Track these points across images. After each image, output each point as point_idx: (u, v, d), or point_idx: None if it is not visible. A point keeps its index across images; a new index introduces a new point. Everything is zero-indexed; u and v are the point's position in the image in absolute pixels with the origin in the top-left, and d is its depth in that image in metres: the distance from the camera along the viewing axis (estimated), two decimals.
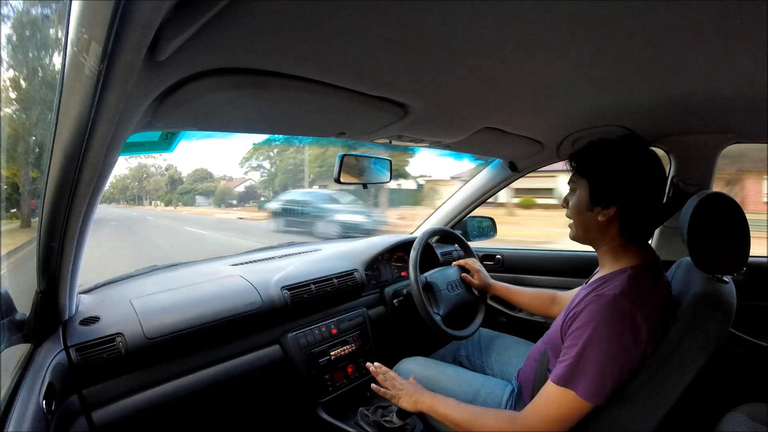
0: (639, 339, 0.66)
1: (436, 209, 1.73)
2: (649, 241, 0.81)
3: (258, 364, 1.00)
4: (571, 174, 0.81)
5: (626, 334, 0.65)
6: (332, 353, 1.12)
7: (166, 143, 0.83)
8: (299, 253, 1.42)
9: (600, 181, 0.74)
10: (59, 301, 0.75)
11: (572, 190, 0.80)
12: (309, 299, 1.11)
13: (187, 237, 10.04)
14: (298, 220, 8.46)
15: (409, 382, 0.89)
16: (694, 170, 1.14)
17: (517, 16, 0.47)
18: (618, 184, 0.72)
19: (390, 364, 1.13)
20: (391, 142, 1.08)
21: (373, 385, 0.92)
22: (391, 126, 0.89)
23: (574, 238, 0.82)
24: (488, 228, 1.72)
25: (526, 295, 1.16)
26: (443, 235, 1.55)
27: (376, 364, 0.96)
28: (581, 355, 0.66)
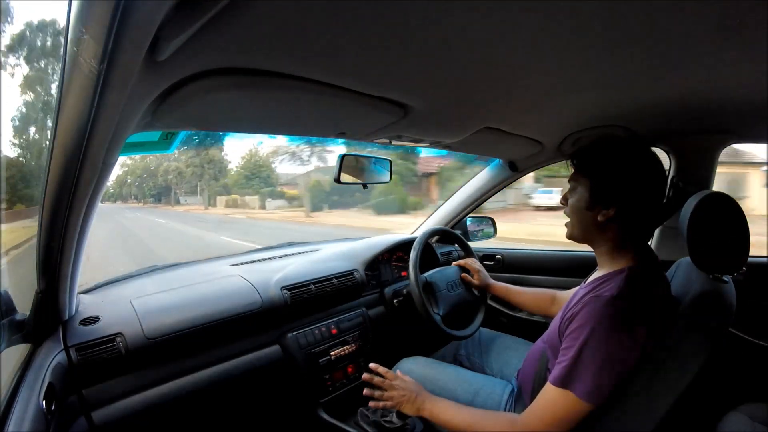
0: (636, 340, 0.66)
1: (436, 209, 1.73)
2: (649, 241, 0.81)
3: (258, 364, 1.00)
4: (572, 172, 0.81)
5: (623, 335, 0.65)
6: (332, 353, 1.12)
7: (166, 143, 0.83)
8: (299, 253, 1.42)
9: (602, 180, 0.74)
10: (59, 301, 0.75)
11: (573, 189, 0.80)
12: (309, 299, 1.11)
13: None
14: None
15: (410, 386, 0.87)
16: (694, 170, 1.14)
17: (518, 17, 0.47)
18: (619, 185, 0.72)
19: (390, 364, 1.13)
20: (391, 142, 1.08)
21: (366, 391, 0.88)
22: (391, 126, 0.89)
23: (570, 237, 0.82)
24: (488, 228, 1.72)
25: (525, 295, 1.16)
26: (443, 235, 1.55)
27: (372, 365, 0.91)
28: (579, 357, 0.66)
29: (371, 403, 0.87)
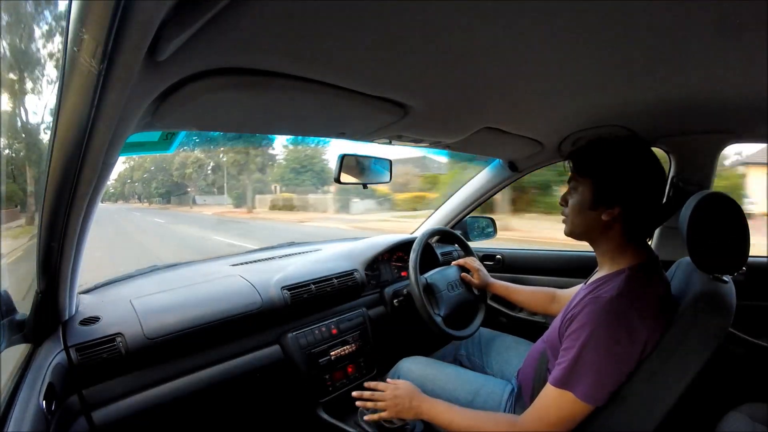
0: (636, 340, 0.66)
1: (436, 209, 1.73)
2: (649, 241, 0.81)
3: (258, 364, 1.00)
4: (571, 173, 0.81)
5: (623, 335, 0.65)
6: (332, 353, 1.12)
7: (166, 143, 0.83)
8: (299, 253, 1.42)
9: (605, 180, 0.74)
10: (59, 301, 0.75)
11: (573, 189, 0.80)
12: (309, 299, 1.11)
13: None
14: None
15: (403, 392, 0.86)
16: (694, 170, 1.14)
17: (518, 17, 0.47)
18: (623, 184, 0.72)
19: (390, 364, 1.13)
20: (391, 142, 1.08)
21: (358, 402, 0.89)
22: (391, 126, 0.89)
23: (570, 234, 0.82)
24: (488, 228, 1.72)
25: (525, 293, 1.16)
26: (443, 235, 1.55)
27: (366, 385, 0.91)
28: (579, 357, 0.66)
29: (366, 417, 0.88)
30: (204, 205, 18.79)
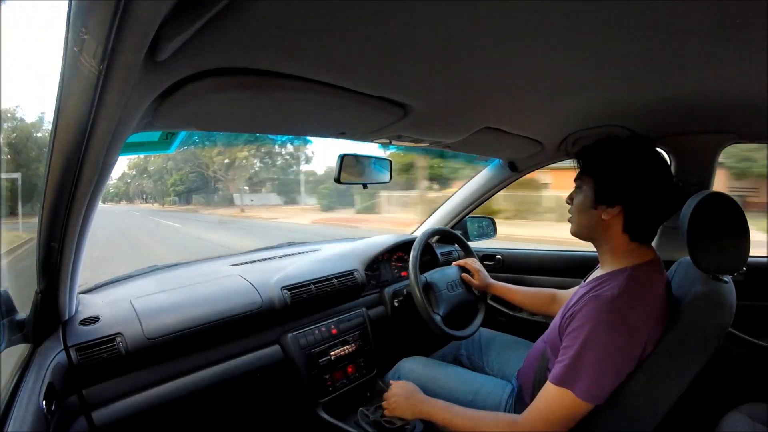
0: (636, 340, 0.66)
1: (436, 209, 1.73)
2: (652, 241, 0.81)
3: (258, 364, 1.00)
4: (577, 171, 0.81)
5: (623, 335, 0.65)
6: (332, 353, 1.12)
7: (166, 143, 0.83)
8: (299, 253, 1.42)
9: (606, 179, 0.74)
10: (59, 301, 0.75)
11: (578, 188, 0.80)
12: (309, 299, 1.11)
13: None
14: None
15: (401, 391, 0.87)
16: (694, 170, 1.14)
17: (518, 17, 0.47)
18: (623, 184, 0.72)
19: (390, 364, 1.13)
20: (391, 142, 1.08)
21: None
22: (391, 126, 0.89)
23: (575, 233, 0.82)
24: (488, 228, 1.72)
25: (525, 294, 1.16)
26: (443, 235, 1.55)
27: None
28: (578, 356, 0.66)
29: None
30: (252, 207, 13.63)
